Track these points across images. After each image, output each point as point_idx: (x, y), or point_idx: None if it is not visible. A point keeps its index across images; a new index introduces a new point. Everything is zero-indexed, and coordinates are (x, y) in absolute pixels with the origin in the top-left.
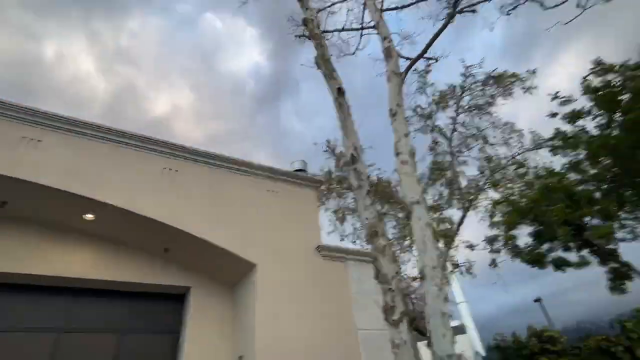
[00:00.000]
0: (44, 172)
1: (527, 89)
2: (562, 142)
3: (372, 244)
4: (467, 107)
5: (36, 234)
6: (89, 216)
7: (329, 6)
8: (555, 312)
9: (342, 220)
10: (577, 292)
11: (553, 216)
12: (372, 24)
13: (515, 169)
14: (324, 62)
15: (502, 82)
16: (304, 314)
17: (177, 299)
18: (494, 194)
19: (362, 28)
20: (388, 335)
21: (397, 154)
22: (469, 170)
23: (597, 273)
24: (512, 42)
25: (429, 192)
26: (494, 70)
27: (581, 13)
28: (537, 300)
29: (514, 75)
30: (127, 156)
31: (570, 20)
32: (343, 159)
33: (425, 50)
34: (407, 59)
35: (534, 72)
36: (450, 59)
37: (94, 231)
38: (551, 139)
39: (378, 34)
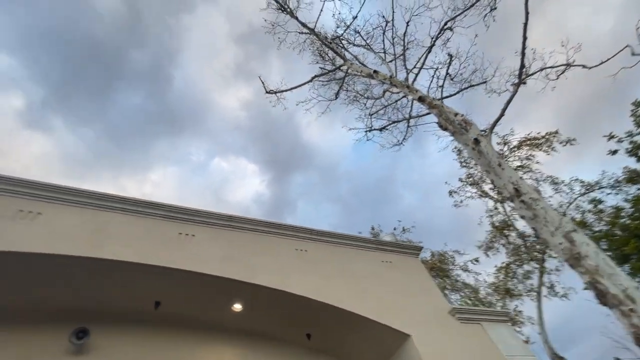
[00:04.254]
0: (200, 262)
1: (567, 142)
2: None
3: (578, 266)
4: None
5: (185, 333)
6: (237, 307)
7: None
8: None
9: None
10: None
11: None
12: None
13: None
14: (448, 123)
15: (539, 144)
16: None
17: None
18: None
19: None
20: None
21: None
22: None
23: None
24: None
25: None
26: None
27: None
28: None
29: (550, 134)
30: (263, 241)
31: None
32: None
33: (500, 117)
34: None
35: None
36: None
37: (240, 325)
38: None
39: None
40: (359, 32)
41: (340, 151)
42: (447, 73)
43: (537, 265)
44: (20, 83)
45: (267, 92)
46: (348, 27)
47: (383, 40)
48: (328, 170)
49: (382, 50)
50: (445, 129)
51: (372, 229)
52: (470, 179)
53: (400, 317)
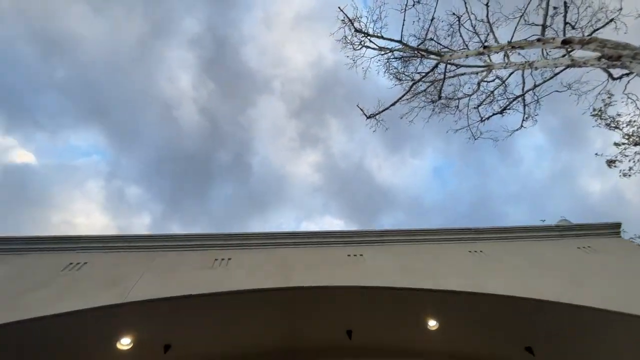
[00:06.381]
0: (378, 277)
1: None
2: None
3: None
4: None
5: None
6: (433, 324)
7: None
8: None
9: None
10: None
11: None
12: None
13: None
14: (620, 47)
15: None
16: None
17: None
18: None
19: None
20: None
21: None
22: None
23: None
24: None
25: None
26: None
27: None
28: None
29: None
30: (435, 249)
31: None
32: None
33: None
34: None
35: None
36: None
37: (440, 346)
38: None
39: None
40: (433, 39)
41: (420, 184)
42: (565, 22)
43: None
44: (147, 205)
45: (367, 117)
46: (427, 30)
47: (461, 36)
48: (413, 207)
49: (465, 46)
50: (617, 59)
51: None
52: (634, 138)
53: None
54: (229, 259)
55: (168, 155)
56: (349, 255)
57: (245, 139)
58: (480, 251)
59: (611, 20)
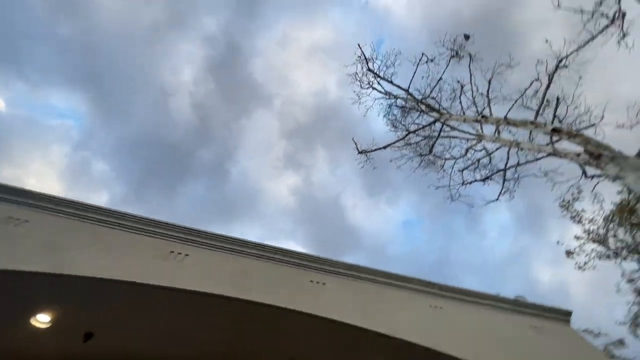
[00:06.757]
0: (336, 311)
1: None
2: None
3: None
4: None
5: None
6: None
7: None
8: None
9: None
10: None
11: None
12: None
13: None
14: (601, 148)
15: None
16: None
17: None
18: None
19: None
20: None
21: None
22: None
23: None
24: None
25: None
26: None
27: None
28: None
29: None
30: (398, 296)
31: None
32: None
33: None
34: None
35: None
36: None
37: None
38: None
39: None
40: (435, 98)
41: (388, 233)
42: (554, 114)
43: None
44: (109, 183)
45: (359, 152)
46: (433, 88)
47: (460, 103)
48: (377, 253)
49: (462, 112)
50: (597, 157)
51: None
52: (593, 235)
53: None
54: (187, 255)
55: (147, 140)
56: (311, 281)
57: (231, 145)
58: (441, 307)
59: (593, 124)
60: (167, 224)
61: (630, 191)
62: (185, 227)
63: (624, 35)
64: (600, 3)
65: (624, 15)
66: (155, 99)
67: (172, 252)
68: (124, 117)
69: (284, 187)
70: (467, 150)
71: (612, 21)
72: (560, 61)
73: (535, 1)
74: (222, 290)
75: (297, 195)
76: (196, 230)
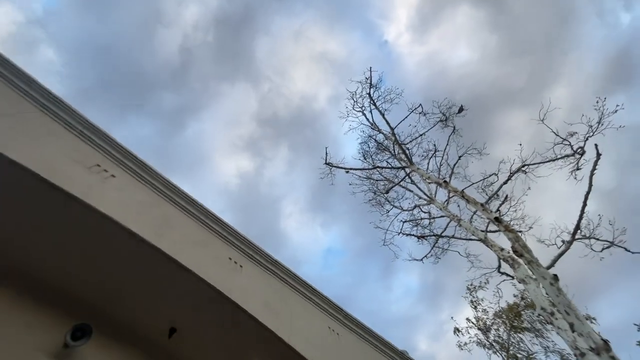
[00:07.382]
0: (245, 298)
1: None
2: None
3: None
4: None
5: None
6: None
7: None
8: None
9: None
10: None
11: None
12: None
13: None
14: (525, 251)
15: None
16: None
17: None
18: None
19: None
20: None
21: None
22: None
23: None
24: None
25: None
26: None
27: None
28: None
29: None
30: (304, 305)
31: None
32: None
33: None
34: None
35: None
36: None
37: None
38: None
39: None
40: (410, 150)
41: (311, 252)
42: (498, 208)
43: None
44: (48, 77)
45: (325, 163)
46: (414, 139)
47: (428, 163)
48: (290, 265)
49: (426, 170)
50: (520, 256)
51: None
52: (480, 323)
53: None
54: (112, 175)
55: (115, 54)
56: (230, 259)
57: (200, 103)
58: (338, 334)
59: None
60: (99, 130)
61: (523, 297)
62: (119, 144)
63: (577, 168)
64: (572, 135)
65: (583, 152)
66: (145, 19)
67: (98, 165)
68: (102, 17)
69: (233, 167)
70: (415, 207)
71: (574, 153)
72: (523, 166)
73: (522, 111)
74: (137, 228)
75: (242, 179)
76: (131, 153)
